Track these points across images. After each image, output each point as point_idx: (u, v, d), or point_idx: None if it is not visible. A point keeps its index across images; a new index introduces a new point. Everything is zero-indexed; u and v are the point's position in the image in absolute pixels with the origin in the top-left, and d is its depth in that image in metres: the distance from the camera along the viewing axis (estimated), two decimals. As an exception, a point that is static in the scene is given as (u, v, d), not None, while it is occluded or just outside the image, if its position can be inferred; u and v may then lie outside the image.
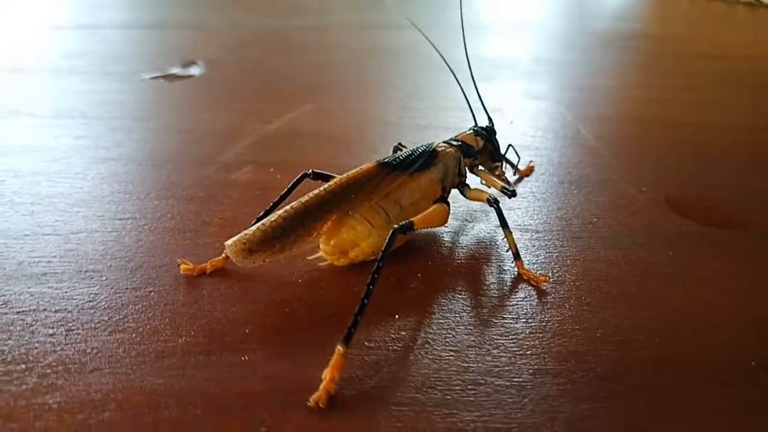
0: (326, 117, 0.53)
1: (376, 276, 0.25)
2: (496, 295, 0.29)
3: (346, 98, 0.59)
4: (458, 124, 0.50)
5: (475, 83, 0.39)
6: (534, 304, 0.29)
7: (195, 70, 0.67)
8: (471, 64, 0.40)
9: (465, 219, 0.36)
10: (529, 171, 0.42)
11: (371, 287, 0.25)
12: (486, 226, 0.36)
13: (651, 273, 0.31)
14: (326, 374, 0.23)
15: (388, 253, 0.26)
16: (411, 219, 0.28)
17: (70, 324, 0.27)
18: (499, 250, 0.33)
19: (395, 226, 0.27)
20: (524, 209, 0.37)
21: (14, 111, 0.53)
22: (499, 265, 0.32)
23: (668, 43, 0.90)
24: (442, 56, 0.38)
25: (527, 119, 0.53)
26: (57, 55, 0.74)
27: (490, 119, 0.37)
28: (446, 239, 0.34)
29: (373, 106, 0.57)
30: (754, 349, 0.26)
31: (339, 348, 0.24)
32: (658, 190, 0.40)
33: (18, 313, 0.27)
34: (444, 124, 0.51)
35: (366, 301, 0.25)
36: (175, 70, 0.67)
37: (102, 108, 0.55)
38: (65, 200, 0.38)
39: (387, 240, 0.26)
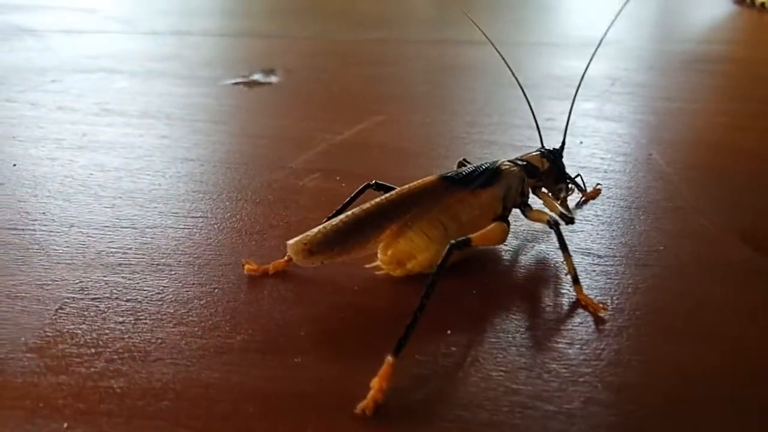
0: (395, 129, 0.54)
1: (430, 290, 0.25)
2: (552, 319, 0.29)
3: (415, 111, 0.60)
4: (525, 142, 0.50)
5: (572, 104, 0.38)
6: (590, 330, 0.28)
7: (274, 78, 0.70)
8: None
9: (525, 239, 0.36)
10: (596, 194, 0.41)
11: (425, 301, 0.25)
12: (546, 247, 0.35)
13: (718, 308, 0.30)
14: (374, 383, 0.24)
15: (443, 269, 0.26)
16: (469, 236, 0.29)
17: (139, 314, 0.28)
18: (558, 272, 0.33)
19: (452, 241, 0.27)
20: (587, 232, 0.36)
21: (107, 109, 0.57)
22: (557, 288, 0.31)
23: (753, 68, 0.86)
24: (511, 70, 0.38)
25: (598, 140, 0.52)
26: (150, 58, 0.79)
27: (563, 142, 0.36)
28: (505, 258, 0.34)
29: (442, 120, 0.57)
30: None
31: (389, 358, 0.24)
32: (730, 220, 0.38)
33: (93, 299, 0.29)
34: (510, 141, 0.51)
35: (418, 314, 0.25)
36: (256, 77, 0.69)
37: (185, 110, 0.58)
38: (144, 196, 0.40)
39: (444, 255, 0.26)
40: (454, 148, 0.50)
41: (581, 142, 0.51)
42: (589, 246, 0.35)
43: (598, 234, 0.36)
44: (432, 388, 0.25)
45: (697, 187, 0.43)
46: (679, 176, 0.45)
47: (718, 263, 0.34)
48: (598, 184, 0.42)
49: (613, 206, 0.40)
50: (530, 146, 0.49)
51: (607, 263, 0.33)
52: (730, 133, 0.56)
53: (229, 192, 0.41)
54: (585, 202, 0.40)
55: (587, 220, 0.38)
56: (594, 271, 0.33)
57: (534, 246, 0.35)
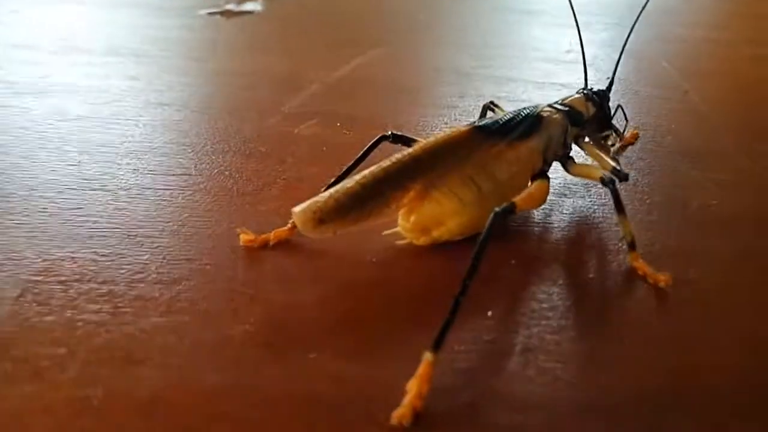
0: (396, 64, 0.48)
1: (473, 270, 0.21)
2: (606, 294, 0.25)
3: (415, 43, 0.54)
4: (546, 78, 0.45)
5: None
6: (651, 308, 0.24)
7: (250, 5, 0.62)
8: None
9: (562, 194, 0.31)
10: (634, 138, 0.36)
11: (467, 282, 0.21)
12: (585, 202, 0.31)
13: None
14: (412, 386, 0.19)
15: (487, 243, 0.21)
16: (513, 200, 0.24)
17: (118, 300, 0.24)
18: (602, 233, 0.29)
19: (497, 209, 0.22)
20: (629, 186, 0.32)
21: (69, 46, 0.50)
22: (608, 256, 0.27)
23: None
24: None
25: (625, 74, 0.46)
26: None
27: (611, 81, 0.31)
28: (541, 218, 0.30)
29: (448, 53, 0.51)
30: None
31: (428, 356, 0.20)
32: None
33: (60, 282, 0.24)
34: (530, 77, 0.45)
35: (461, 299, 0.20)
36: (231, 6, 0.62)
37: (156, 45, 0.51)
38: (115, 150, 0.34)
39: (487, 226, 0.22)
40: (465, 86, 0.44)
41: (608, 78, 0.45)
42: (633, 202, 0.30)
43: (643, 187, 0.32)
44: (479, 387, 0.20)
45: (740, 128, 0.39)
46: (718, 116, 0.40)
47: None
48: (635, 126, 0.37)
49: (654, 153, 0.35)
50: (554, 83, 0.44)
51: (660, 222, 0.29)
52: (759, 63, 0.51)
53: (213, 142, 0.35)
54: (623, 148, 0.35)
55: (627, 170, 0.33)
56: (648, 231, 0.28)
57: (573, 202, 0.31)
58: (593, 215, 0.30)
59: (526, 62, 0.48)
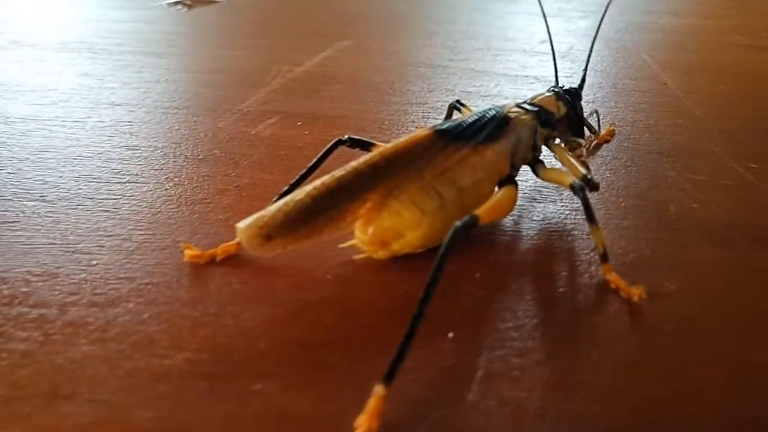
0: (364, 57, 0.46)
1: (429, 292, 0.19)
2: (576, 310, 0.23)
3: (387, 35, 0.52)
4: (519, 71, 0.43)
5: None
6: (625, 324, 0.22)
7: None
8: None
9: (532, 198, 0.30)
10: (610, 135, 0.35)
11: (422, 308, 0.19)
12: (556, 207, 0.29)
13: (770, 282, 0.24)
14: (361, 423, 0.18)
15: (445, 261, 0.20)
16: (475, 213, 0.22)
17: (48, 326, 0.22)
18: (574, 241, 0.27)
19: (457, 223, 0.21)
20: (603, 188, 0.30)
21: (14, 41, 0.47)
22: (579, 266, 0.25)
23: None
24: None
25: (603, 66, 0.45)
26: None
27: (583, 78, 0.29)
28: (509, 225, 0.28)
29: (419, 45, 0.49)
30: None
31: (378, 389, 0.18)
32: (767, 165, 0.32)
33: (-15, 308, 0.22)
34: (503, 71, 0.43)
35: (415, 327, 0.19)
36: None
37: (112, 40, 0.48)
38: (57, 155, 0.32)
39: (446, 242, 0.20)
40: (437, 81, 0.42)
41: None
42: (608, 207, 0.29)
43: (618, 190, 0.30)
44: (434, 421, 0.19)
45: (724, 124, 0.37)
46: (702, 110, 0.38)
47: (765, 222, 0.28)
48: (611, 123, 0.36)
49: (631, 151, 0.34)
50: (527, 77, 0.42)
51: (635, 228, 0.27)
52: (753, 55, 0.49)
53: (165, 146, 0.33)
54: (598, 146, 0.34)
55: (602, 171, 0.32)
56: (618, 239, 0.27)
57: (544, 207, 0.29)
58: (565, 221, 0.28)
59: (499, 54, 0.46)
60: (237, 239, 0.25)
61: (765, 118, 0.37)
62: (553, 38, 0.31)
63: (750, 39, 0.51)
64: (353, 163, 0.23)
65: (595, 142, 0.34)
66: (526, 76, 0.40)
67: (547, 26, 0.29)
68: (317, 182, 0.23)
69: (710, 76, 0.44)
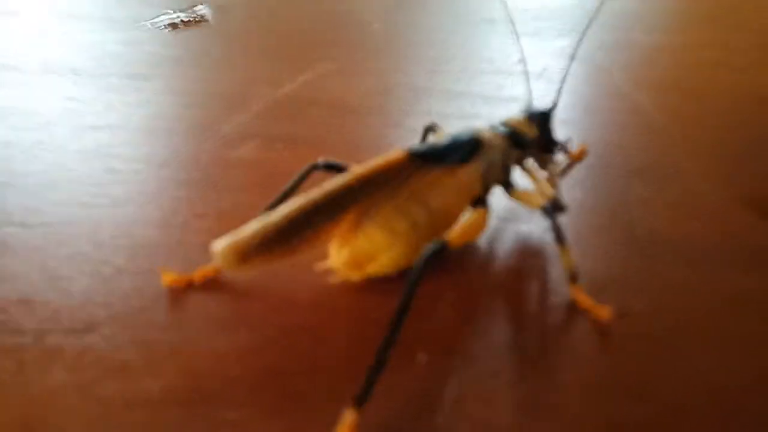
0: (345, 80, 0.46)
1: (398, 322, 0.19)
2: (547, 331, 0.24)
3: (367, 57, 0.52)
4: (496, 92, 0.44)
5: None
6: (594, 346, 0.23)
7: (202, 10, 0.60)
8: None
9: (505, 218, 0.30)
10: (582, 154, 0.35)
11: (393, 337, 0.19)
12: (528, 227, 0.30)
13: (744, 304, 0.25)
14: (332, 449, 0.18)
15: (416, 287, 0.20)
16: (445, 239, 0.22)
17: (25, 354, 0.22)
18: (546, 261, 0.27)
19: (426, 252, 0.21)
20: (574, 208, 0.31)
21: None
22: (550, 287, 0.26)
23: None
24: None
25: (575, 85, 0.45)
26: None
27: (556, 100, 0.29)
28: (482, 245, 0.28)
29: (399, 68, 0.50)
30: None
31: (349, 414, 0.19)
32: (740, 186, 0.33)
33: (-39, 337, 0.22)
34: (480, 91, 0.44)
35: (384, 356, 0.19)
36: (182, 15, 0.60)
37: (97, 62, 0.49)
38: (38, 180, 0.32)
39: (415, 269, 0.20)
40: (415, 103, 0.43)
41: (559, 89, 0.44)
42: (577, 227, 0.29)
43: (587, 210, 0.31)
44: (406, 446, 0.19)
45: (695, 144, 0.37)
46: (676, 129, 0.39)
47: (734, 244, 0.28)
48: (583, 143, 0.36)
49: (602, 171, 0.34)
50: (502, 97, 0.43)
51: (602, 248, 0.28)
52: (727, 72, 0.49)
53: (146, 169, 0.34)
54: (570, 166, 0.34)
55: (573, 191, 0.32)
56: (586, 259, 0.27)
57: (517, 227, 0.30)
58: (536, 242, 0.29)
59: (477, 75, 0.47)
60: (214, 262, 0.25)
61: (737, 137, 0.38)
62: (529, 58, 0.32)
63: (722, 56, 0.52)
64: (328, 184, 0.24)
65: (567, 162, 0.34)
66: (501, 98, 0.41)
67: (520, 45, 0.30)
68: (292, 203, 0.23)
69: (682, 93, 0.45)
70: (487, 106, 0.39)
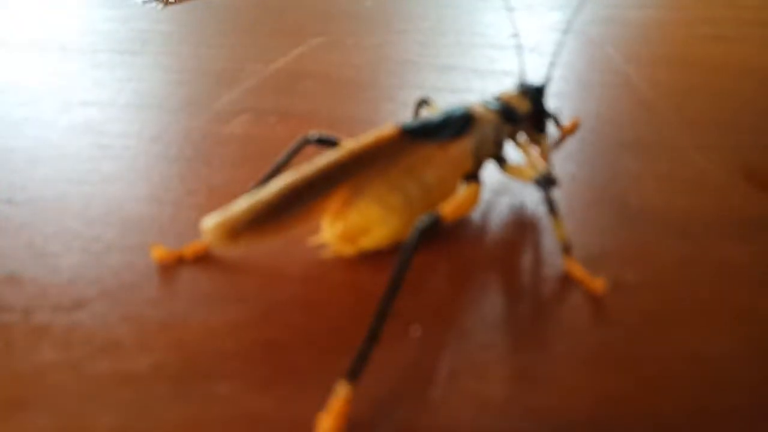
0: (338, 54, 0.46)
1: (391, 294, 0.19)
2: (540, 303, 0.24)
3: (359, 31, 0.52)
4: (488, 65, 0.43)
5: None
6: (587, 318, 0.23)
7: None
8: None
9: (498, 191, 0.30)
10: (574, 127, 0.35)
11: (386, 307, 0.19)
12: (522, 201, 0.29)
13: (732, 275, 0.25)
14: (324, 424, 0.18)
15: (407, 263, 0.20)
16: (438, 212, 0.22)
17: (13, 331, 0.22)
18: (540, 233, 0.27)
19: (419, 225, 0.21)
20: (566, 182, 0.30)
21: (-16, 40, 0.47)
22: (544, 259, 0.26)
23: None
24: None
25: (568, 59, 0.45)
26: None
27: (548, 75, 0.29)
28: (475, 218, 0.28)
29: (391, 41, 0.49)
30: None
31: (342, 386, 0.18)
32: (732, 157, 0.33)
33: (-52, 314, 0.22)
34: (472, 65, 0.44)
35: (377, 330, 0.19)
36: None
37: (85, 38, 0.48)
38: (25, 155, 0.32)
39: (408, 242, 0.20)
40: (407, 77, 0.42)
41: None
42: (570, 199, 0.29)
43: (580, 183, 0.31)
44: (399, 420, 0.19)
45: (688, 116, 0.37)
46: (665, 103, 0.39)
47: (724, 214, 0.28)
48: (576, 116, 0.36)
49: (594, 144, 0.34)
50: (494, 71, 0.42)
51: (594, 219, 0.28)
52: (719, 46, 0.49)
53: (137, 146, 0.33)
54: (562, 139, 0.34)
55: (565, 165, 0.32)
56: (580, 232, 0.27)
57: (509, 200, 0.29)
58: (530, 215, 0.28)
59: (469, 49, 0.46)
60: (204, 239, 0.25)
61: (727, 109, 0.38)
62: (522, 33, 0.32)
63: (714, 30, 0.52)
64: (319, 160, 0.23)
65: (560, 135, 0.34)
66: (494, 72, 0.40)
67: (514, 22, 0.30)
68: (283, 179, 0.23)
69: (674, 68, 0.44)
70: (479, 80, 0.38)
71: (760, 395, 0.20)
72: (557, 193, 0.29)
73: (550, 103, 0.30)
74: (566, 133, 0.35)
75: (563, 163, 0.32)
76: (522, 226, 0.28)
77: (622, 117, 0.37)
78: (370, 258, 0.25)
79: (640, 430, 0.19)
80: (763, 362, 0.21)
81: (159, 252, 0.25)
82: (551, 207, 0.24)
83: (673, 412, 0.19)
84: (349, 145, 0.24)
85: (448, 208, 0.23)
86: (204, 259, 0.25)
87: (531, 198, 0.29)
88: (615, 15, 0.55)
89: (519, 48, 0.30)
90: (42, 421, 0.18)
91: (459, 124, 0.26)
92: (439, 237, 0.26)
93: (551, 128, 0.31)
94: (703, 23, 0.54)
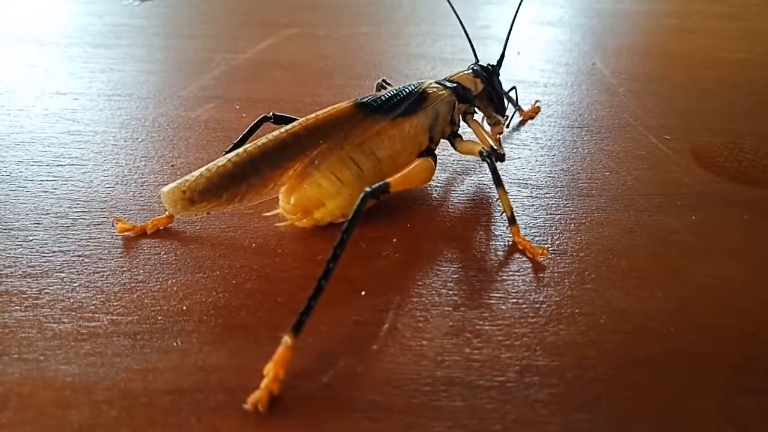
0: (308, 44, 0.47)
1: (338, 252, 0.20)
2: (484, 268, 0.25)
3: (332, 22, 0.53)
4: (457, 54, 0.45)
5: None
6: (528, 280, 0.24)
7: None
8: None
9: (455, 171, 0.31)
10: (535, 112, 0.36)
11: (331, 266, 0.20)
12: (479, 179, 0.31)
13: (669, 242, 0.26)
14: (269, 371, 0.19)
15: (355, 223, 0.21)
16: (386, 180, 0.23)
17: (-19, 296, 0.23)
18: (493, 210, 0.29)
19: (367, 189, 0.22)
20: (525, 159, 0.32)
21: (-38, 34, 0.48)
22: (492, 231, 0.27)
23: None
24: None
25: (537, 49, 0.46)
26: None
27: (502, 56, 0.30)
28: (432, 195, 0.29)
29: (363, 32, 0.51)
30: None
31: (286, 339, 0.20)
32: (683, 138, 0.34)
33: None
34: (440, 54, 0.45)
35: (323, 282, 0.20)
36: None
37: (60, 32, 0.49)
38: (2, 141, 0.33)
39: (356, 205, 0.21)
40: (376, 65, 0.43)
41: (519, 53, 0.45)
42: (526, 176, 0.31)
43: (536, 161, 0.32)
44: (340, 369, 0.20)
45: (646, 101, 0.39)
46: (626, 88, 0.40)
47: (669, 189, 0.30)
48: (537, 101, 0.37)
49: (554, 126, 0.35)
50: (463, 59, 0.43)
51: (547, 195, 0.29)
52: (682, 37, 0.51)
53: (105, 131, 0.34)
54: (523, 122, 0.35)
55: (525, 144, 0.33)
56: (532, 205, 0.28)
57: (465, 180, 0.31)
58: (485, 193, 0.30)
59: (440, 39, 0.48)
60: (167, 212, 0.26)
61: (684, 95, 0.40)
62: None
63: (680, 22, 0.54)
64: (276, 133, 0.25)
65: (520, 119, 0.35)
66: (461, 59, 0.42)
67: (456, 12, 0.31)
68: (240, 149, 0.24)
69: (638, 57, 0.46)
70: (446, 67, 0.40)
71: (673, 344, 0.21)
72: (513, 170, 0.30)
73: (507, 85, 0.31)
74: (527, 117, 0.36)
75: (523, 142, 0.33)
76: (473, 202, 0.29)
77: (583, 101, 0.38)
78: (324, 230, 0.26)
79: (567, 378, 0.20)
80: (680, 316, 0.23)
81: (123, 226, 0.26)
82: (496, 178, 0.25)
83: (597, 361, 0.21)
84: (306, 118, 0.25)
85: (396, 178, 0.24)
86: (165, 233, 0.26)
87: (484, 176, 0.30)
88: (587, 7, 0.57)
89: (466, 32, 0.32)
90: (9, 369, 0.20)
91: (413, 100, 0.27)
92: (393, 214, 0.28)
93: (506, 107, 0.32)
94: (669, 15, 0.56)
